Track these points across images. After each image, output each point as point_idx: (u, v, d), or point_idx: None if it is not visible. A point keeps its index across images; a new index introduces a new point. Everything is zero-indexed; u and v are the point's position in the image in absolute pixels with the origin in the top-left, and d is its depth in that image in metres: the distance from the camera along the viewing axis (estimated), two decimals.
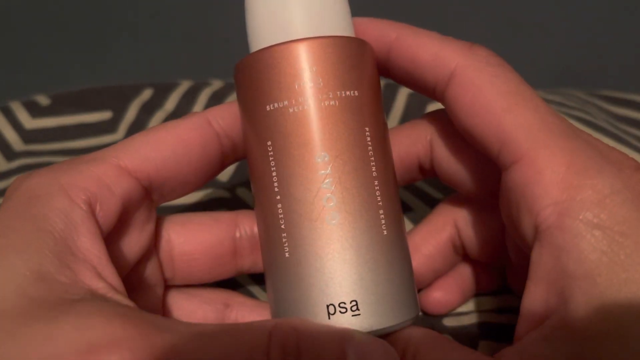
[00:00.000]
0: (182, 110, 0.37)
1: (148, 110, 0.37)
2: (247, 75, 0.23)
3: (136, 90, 0.38)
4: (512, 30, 0.65)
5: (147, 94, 0.38)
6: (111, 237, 0.22)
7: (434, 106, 0.36)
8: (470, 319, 0.28)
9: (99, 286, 0.19)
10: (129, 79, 0.38)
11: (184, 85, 0.38)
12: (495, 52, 0.23)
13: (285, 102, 0.22)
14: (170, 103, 0.37)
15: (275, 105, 0.22)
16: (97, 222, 0.21)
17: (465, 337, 0.28)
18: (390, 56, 0.24)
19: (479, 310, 0.29)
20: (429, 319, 0.28)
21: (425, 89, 0.24)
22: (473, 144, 0.22)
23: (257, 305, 0.27)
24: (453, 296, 0.28)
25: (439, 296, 0.28)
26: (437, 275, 0.28)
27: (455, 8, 0.67)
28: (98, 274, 0.19)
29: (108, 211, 0.21)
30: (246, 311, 0.27)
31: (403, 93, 0.37)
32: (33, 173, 0.21)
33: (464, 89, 0.22)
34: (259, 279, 0.30)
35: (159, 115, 0.37)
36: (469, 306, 0.29)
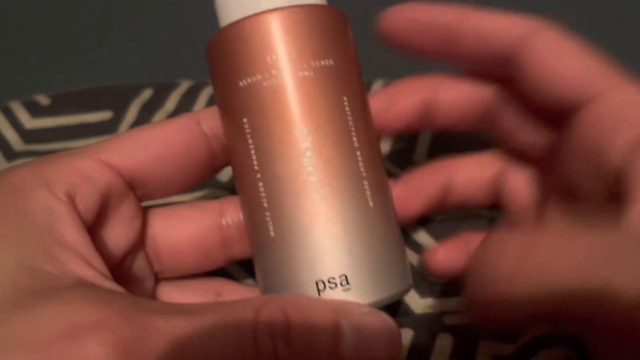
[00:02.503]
0: (182, 110, 0.37)
1: (148, 110, 0.37)
2: (218, 53, 0.22)
3: (136, 90, 0.38)
4: None
5: (147, 94, 0.38)
6: (97, 231, 0.22)
7: None
8: None
9: (89, 274, 0.19)
10: (129, 79, 0.38)
11: (184, 85, 0.38)
12: None
13: (259, 76, 0.21)
14: (170, 103, 0.37)
15: (249, 80, 0.21)
16: (78, 212, 0.20)
17: (465, 336, 0.28)
18: (451, 38, 0.24)
19: None
20: (429, 317, 0.28)
21: (492, 59, 0.24)
22: (540, 95, 0.23)
23: (249, 292, 0.27)
24: (458, 261, 0.26)
25: (442, 256, 0.27)
26: (420, 200, 0.27)
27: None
28: (86, 261, 0.19)
29: (88, 202, 0.21)
30: (238, 298, 0.26)
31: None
32: (14, 167, 0.21)
33: (541, 43, 0.23)
34: (252, 271, 0.30)
35: (160, 115, 0.37)
36: None
